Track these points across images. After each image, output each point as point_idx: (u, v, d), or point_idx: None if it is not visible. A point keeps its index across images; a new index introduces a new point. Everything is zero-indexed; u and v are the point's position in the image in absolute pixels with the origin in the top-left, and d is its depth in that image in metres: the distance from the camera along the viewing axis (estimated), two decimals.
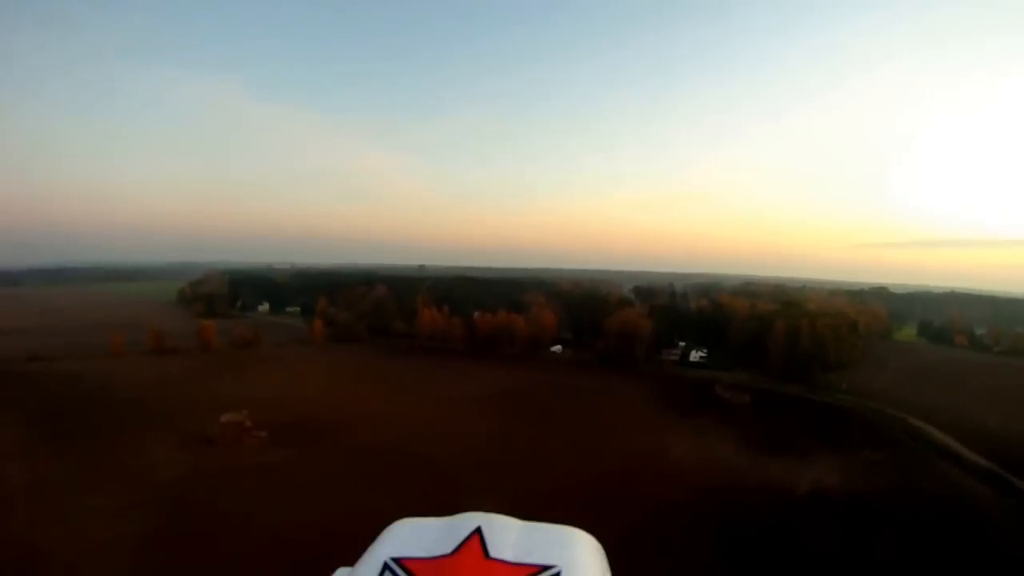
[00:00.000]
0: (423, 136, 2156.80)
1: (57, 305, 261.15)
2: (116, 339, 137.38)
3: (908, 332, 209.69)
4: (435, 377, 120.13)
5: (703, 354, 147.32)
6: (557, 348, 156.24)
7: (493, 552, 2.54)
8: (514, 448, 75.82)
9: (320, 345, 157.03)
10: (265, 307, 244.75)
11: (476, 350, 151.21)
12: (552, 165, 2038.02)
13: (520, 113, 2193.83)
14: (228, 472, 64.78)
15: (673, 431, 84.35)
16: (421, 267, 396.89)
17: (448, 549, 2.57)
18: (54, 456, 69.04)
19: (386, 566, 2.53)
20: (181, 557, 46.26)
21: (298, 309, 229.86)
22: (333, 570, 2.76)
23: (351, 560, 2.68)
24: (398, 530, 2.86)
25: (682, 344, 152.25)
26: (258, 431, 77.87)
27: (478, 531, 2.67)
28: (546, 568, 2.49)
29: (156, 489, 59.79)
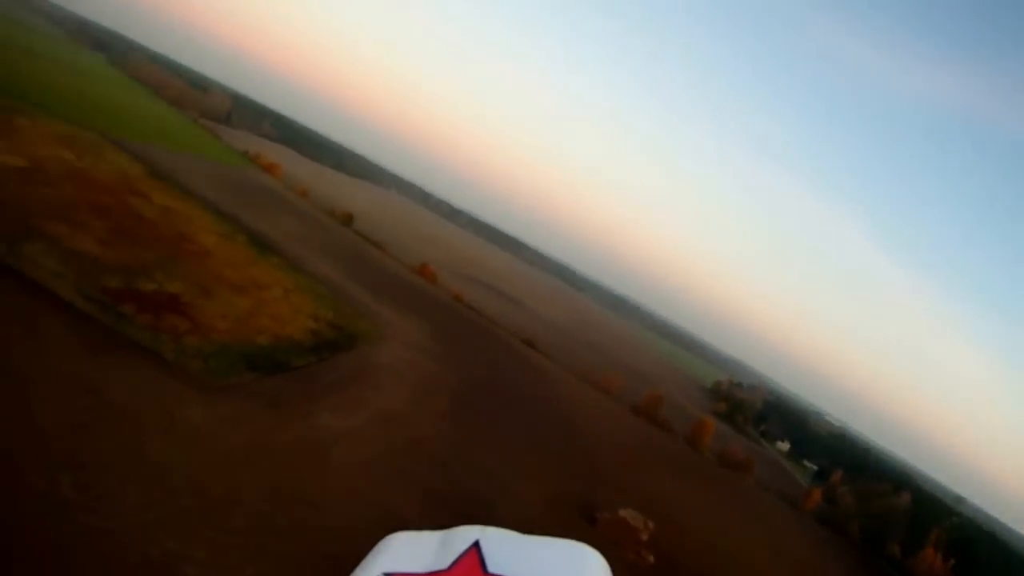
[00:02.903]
0: None
1: (595, 322, 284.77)
2: (615, 378, 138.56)
3: None
4: None
5: None
6: None
7: (492, 567, 2.55)
8: None
9: (800, 515, 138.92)
10: (784, 446, 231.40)
11: None
12: None
13: None
14: None
15: None
16: (959, 499, 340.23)
17: (444, 564, 2.59)
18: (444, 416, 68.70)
19: None
20: None
21: (814, 468, 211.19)
22: None
23: None
24: (392, 543, 2.85)
25: None
26: (648, 551, 66.10)
27: (476, 545, 2.67)
28: None
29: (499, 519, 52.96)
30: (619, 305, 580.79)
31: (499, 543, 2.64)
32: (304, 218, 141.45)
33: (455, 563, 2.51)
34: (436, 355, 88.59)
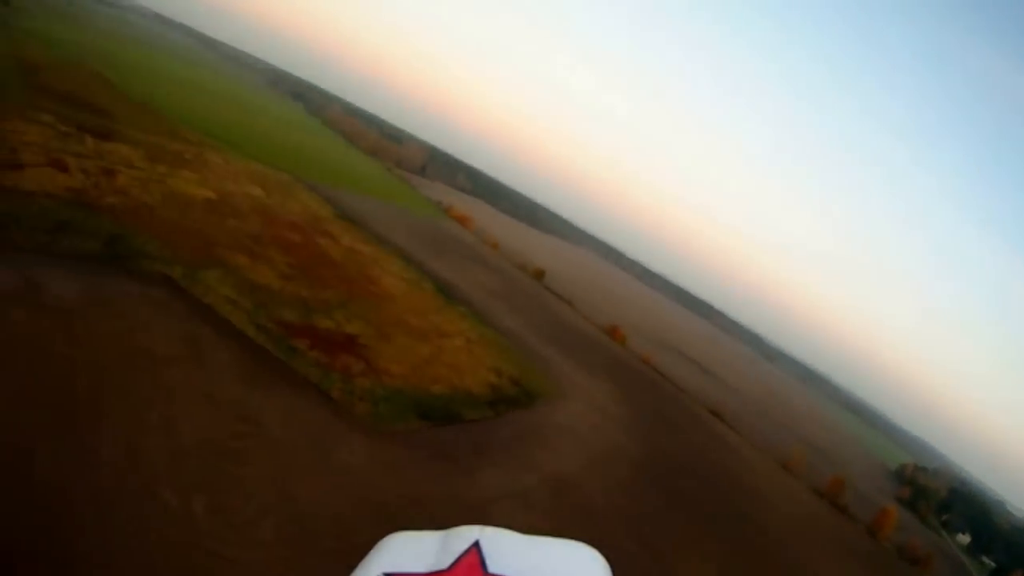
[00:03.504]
0: None
1: (783, 394, 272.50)
2: (799, 456, 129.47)
3: None
4: None
5: None
6: None
7: (492, 567, 2.49)
8: None
9: None
10: (965, 538, 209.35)
11: None
12: None
13: None
14: None
15: None
16: None
17: (444, 564, 2.53)
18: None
19: None
20: None
21: (992, 565, 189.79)
22: None
23: None
24: (391, 544, 2.76)
25: None
26: None
27: (476, 545, 2.60)
28: None
29: None
30: (808, 377, 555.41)
31: (499, 543, 2.56)
32: (494, 271, 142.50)
33: (455, 563, 2.44)
34: (619, 420, 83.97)
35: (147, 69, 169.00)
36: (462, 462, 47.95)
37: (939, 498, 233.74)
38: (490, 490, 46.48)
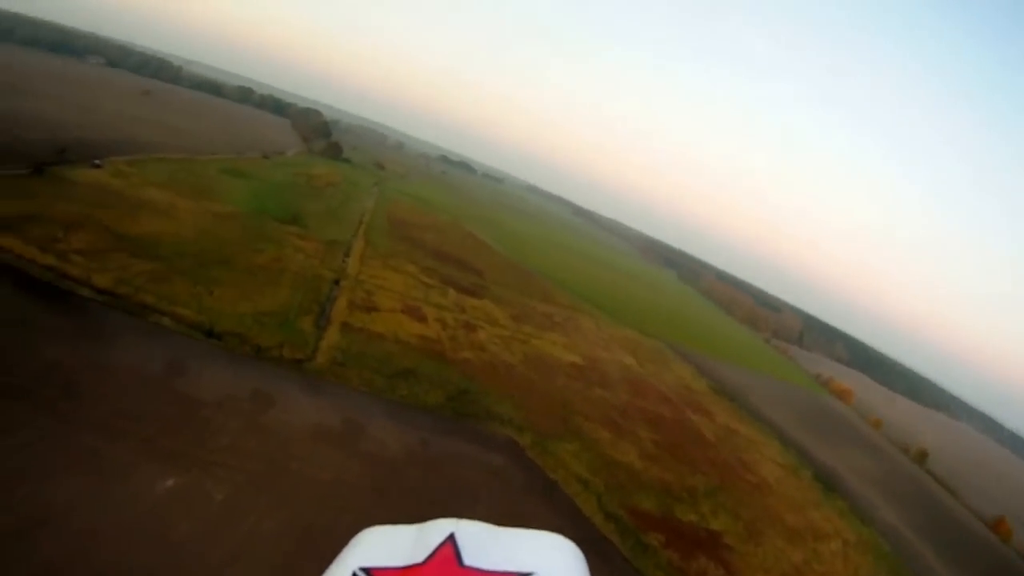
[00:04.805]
0: None
1: None
2: None
3: None
4: None
5: None
6: None
7: (467, 559, 2.59)
8: None
9: None
10: None
11: None
12: None
13: None
14: None
15: None
16: None
17: (420, 557, 2.62)
18: None
19: None
20: None
21: None
22: None
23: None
24: (367, 538, 2.86)
25: None
26: None
27: (451, 538, 2.70)
28: (524, 575, 2.55)
29: None
30: None
31: (474, 535, 2.63)
32: (876, 454, 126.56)
33: (431, 556, 2.49)
34: None
35: (522, 234, 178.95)
36: None
37: None
38: None
